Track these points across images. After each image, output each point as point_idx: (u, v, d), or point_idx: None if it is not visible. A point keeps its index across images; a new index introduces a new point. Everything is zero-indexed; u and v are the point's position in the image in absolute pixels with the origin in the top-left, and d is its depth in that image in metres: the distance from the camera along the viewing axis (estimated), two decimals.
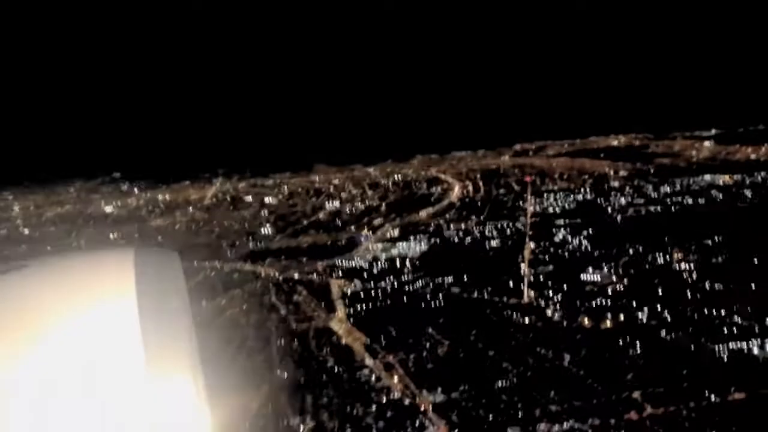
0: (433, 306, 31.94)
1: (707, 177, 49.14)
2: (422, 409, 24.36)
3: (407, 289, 34.00)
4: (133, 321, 1.68)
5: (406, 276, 35.60)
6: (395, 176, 61.25)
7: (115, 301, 1.72)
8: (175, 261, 2.00)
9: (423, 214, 48.48)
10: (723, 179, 48.02)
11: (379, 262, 37.99)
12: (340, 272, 36.65)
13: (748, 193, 43.89)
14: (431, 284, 34.22)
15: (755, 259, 32.60)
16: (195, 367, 1.72)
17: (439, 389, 25.19)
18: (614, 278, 32.84)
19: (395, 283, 34.57)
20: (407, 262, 37.82)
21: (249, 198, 55.93)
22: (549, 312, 29.64)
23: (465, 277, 34.73)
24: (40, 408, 1.55)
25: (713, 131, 64.83)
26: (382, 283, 34.63)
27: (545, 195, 50.30)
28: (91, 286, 1.80)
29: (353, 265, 37.80)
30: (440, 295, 32.84)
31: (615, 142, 67.12)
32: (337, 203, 53.35)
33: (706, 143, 61.42)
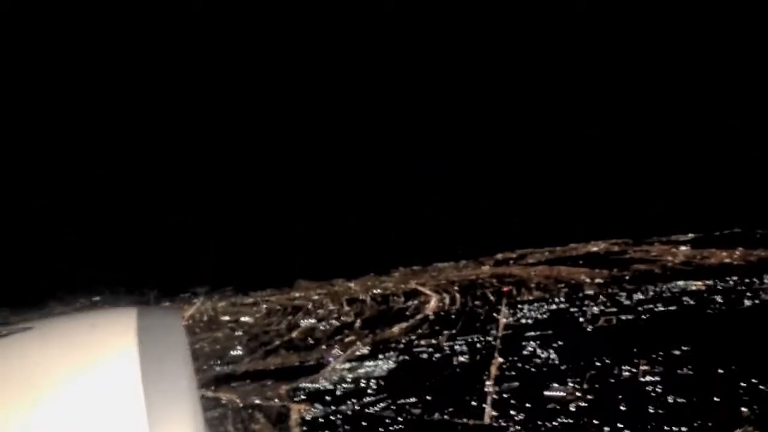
0: (392, 430, 30.97)
1: (680, 283, 49.07)
2: None
3: (368, 411, 33.10)
4: (136, 382, 1.65)
5: (368, 398, 34.74)
6: (374, 290, 61.24)
7: (117, 362, 1.70)
8: (177, 320, 1.98)
9: (396, 329, 48.03)
10: (695, 285, 47.92)
11: (343, 384, 37.23)
12: (302, 396, 35.84)
13: (718, 298, 43.65)
14: (393, 406, 33.35)
15: (720, 370, 31.97)
16: (198, 420, 1.70)
17: None
18: (578, 394, 32.01)
19: (357, 406, 33.69)
20: (372, 383, 37.05)
21: (226, 317, 55.60)
22: None
23: (428, 396, 33.93)
24: None
25: (690, 235, 65.40)
26: (344, 407, 33.75)
27: (519, 306, 50.07)
28: (94, 347, 1.77)
29: (317, 387, 37.03)
30: (401, 417, 31.92)
31: (594, 249, 67.56)
32: (312, 320, 53.02)
33: (682, 248, 61.80)
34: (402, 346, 43.61)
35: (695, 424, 27.08)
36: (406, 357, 41.15)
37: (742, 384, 30.22)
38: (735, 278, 47.38)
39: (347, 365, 40.58)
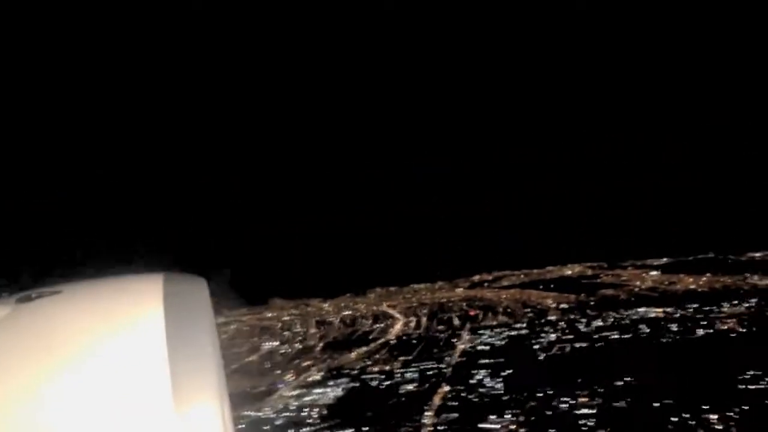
0: None
1: (641, 310, 48.80)
2: None
3: None
4: (161, 347, 1.66)
5: (306, 428, 34.62)
6: (345, 311, 61.22)
7: (142, 327, 1.72)
8: (203, 287, 1.97)
9: (353, 354, 47.91)
10: (654, 312, 47.64)
11: (286, 412, 37.10)
12: (241, 424, 35.63)
13: (673, 327, 43.38)
14: None
15: (655, 403, 31.73)
16: (222, 396, 1.69)
17: None
18: (512, 427, 31.81)
19: None
20: (315, 411, 36.92)
21: None
22: None
23: (365, 428, 33.78)
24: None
25: (664, 260, 65.11)
26: None
27: (481, 331, 49.91)
28: (120, 311, 1.79)
29: (258, 416, 36.89)
30: None
31: (568, 272, 67.33)
32: (276, 343, 52.95)
33: (653, 273, 61.47)
34: (355, 372, 43.46)
35: None
36: (356, 384, 41.01)
37: (673, 419, 29.98)
38: (695, 306, 47.09)
39: (295, 392, 40.44)
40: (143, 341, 1.68)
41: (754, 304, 45.12)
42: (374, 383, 40.87)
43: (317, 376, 43.46)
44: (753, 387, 31.86)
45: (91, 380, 1.59)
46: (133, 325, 1.72)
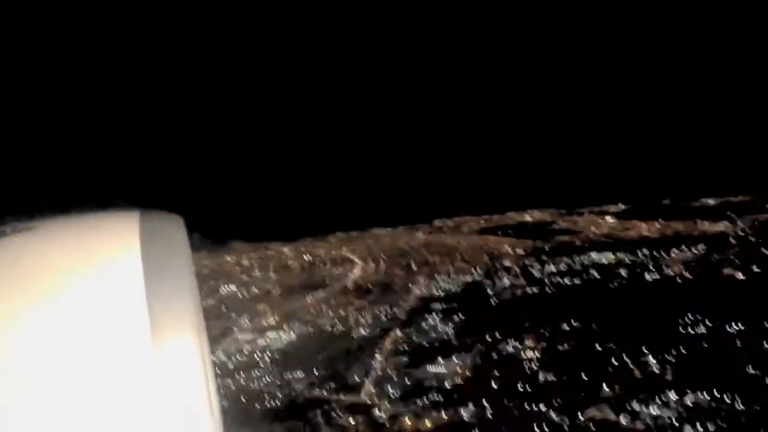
0: (269, 406, 31.16)
1: (594, 255, 49.51)
2: None
3: (252, 386, 33.23)
4: (138, 283, 1.64)
5: (257, 371, 34.87)
6: (306, 256, 61.12)
7: (120, 263, 1.70)
8: (179, 224, 1.95)
9: (310, 299, 48.08)
10: (606, 258, 48.42)
11: (238, 357, 37.28)
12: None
13: (623, 272, 44.17)
14: (279, 381, 33.50)
15: (598, 347, 32.52)
16: (200, 330, 1.73)
17: None
18: (459, 370, 32.42)
19: (243, 381, 33.78)
20: (267, 355, 37.16)
21: None
22: (377, 411, 28.99)
23: (316, 372, 34.14)
24: (42, 371, 1.50)
25: (621, 206, 65.93)
26: (229, 381, 33.81)
27: (438, 276, 50.32)
28: (97, 247, 1.76)
29: (212, 359, 36.96)
30: (281, 393, 32.11)
31: (528, 218, 67.90)
32: (233, 287, 52.82)
33: (609, 218, 62.28)
34: (310, 317, 43.70)
35: (555, 402, 27.55)
36: (310, 329, 41.30)
37: (614, 362, 30.80)
38: (645, 251, 47.92)
39: (249, 336, 40.60)
40: (120, 276, 1.68)
41: (702, 250, 46.09)
42: (328, 328, 41.19)
43: (272, 321, 43.61)
44: (692, 331, 32.75)
45: (69, 315, 1.58)
46: (110, 260, 1.72)
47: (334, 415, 29.31)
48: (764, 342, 29.72)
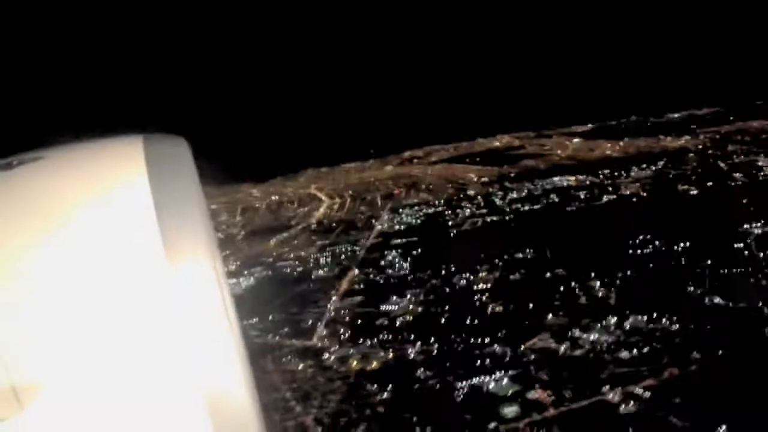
0: None
1: (556, 179, 49.24)
2: None
3: None
4: (148, 207, 1.64)
5: None
6: (273, 197, 60.71)
7: (128, 187, 1.70)
8: (184, 147, 1.94)
9: (273, 242, 47.90)
10: (567, 181, 48.17)
11: None
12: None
13: (582, 194, 44.00)
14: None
15: (548, 274, 32.61)
16: (214, 251, 1.70)
17: None
18: (411, 306, 32.55)
19: None
20: None
21: None
22: (326, 355, 29.23)
23: (271, 317, 34.23)
24: (60, 298, 1.52)
25: (588, 126, 65.29)
26: None
27: (401, 210, 50.11)
28: (103, 173, 1.77)
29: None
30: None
31: (497, 144, 67.27)
32: None
33: (576, 140, 61.73)
34: (271, 260, 43.58)
35: (499, 334, 27.79)
36: (269, 272, 41.21)
37: (561, 289, 30.95)
38: (606, 172, 47.71)
39: None
40: (131, 201, 1.66)
41: (660, 167, 45.88)
42: (287, 270, 41.15)
43: (233, 266, 43.47)
44: (639, 252, 32.82)
45: (81, 242, 1.58)
46: (119, 185, 1.71)
47: (284, 360, 29.54)
48: (707, 259, 29.82)
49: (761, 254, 30.09)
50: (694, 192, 39.42)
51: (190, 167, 1.87)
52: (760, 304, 25.67)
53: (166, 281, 1.59)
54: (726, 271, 29.06)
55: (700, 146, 48.49)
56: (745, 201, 36.42)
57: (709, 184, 39.88)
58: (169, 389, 1.59)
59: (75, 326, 1.53)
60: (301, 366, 28.70)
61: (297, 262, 42.24)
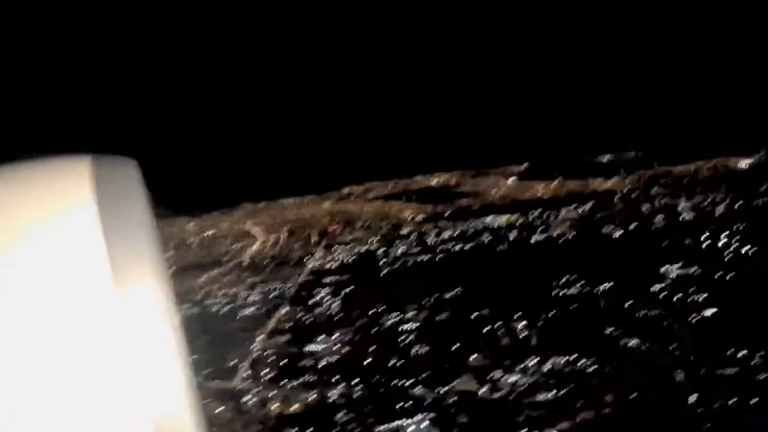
0: None
1: (488, 219, 49.89)
2: None
3: None
4: (95, 229, 1.59)
5: None
6: (209, 231, 59.59)
7: (74, 209, 1.63)
8: (133, 168, 1.86)
9: (203, 278, 46.93)
10: (499, 221, 48.86)
11: None
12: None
13: (511, 235, 44.68)
14: None
15: (474, 314, 32.76)
16: (163, 275, 1.67)
17: None
18: (336, 347, 32.19)
19: None
20: None
21: None
22: (247, 396, 28.52)
23: (196, 356, 33.11)
24: (1, 322, 1.46)
25: (524, 165, 66.54)
26: None
27: (335, 247, 49.91)
28: (48, 195, 1.67)
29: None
30: None
31: (435, 181, 67.88)
32: None
33: (510, 179, 62.81)
34: (199, 297, 42.64)
35: (422, 376, 27.67)
36: (196, 310, 40.26)
37: (485, 330, 31.13)
38: (538, 212, 48.61)
39: None
40: (77, 223, 1.61)
41: (588, 208, 47.07)
42: (214, 308, 40.33)
43: None
44: (562, 293, 33.39)
45: (25, 265, 1.53)
46: (65, 207, 1.65)
47: (204, 402, 28.59)
48: (625, 301, 30.54)
49: (677, 296, 31.01)
50: (618, 234, 40.58)
51: (140, 189, 1.82)
52: (673, 346, 26.35)
53: (113, 305, 1.55)
54: (643, 313, 29.81)
55: (626, 189, 50.09)
56: (664, 244, 37.69)
57: (632, 226, 41.12)
58: (115, 416, 1.54)
59: (18, 352, 1.47)
60: (220, 409, 27.88)
61: (226, 300, 41.46)
